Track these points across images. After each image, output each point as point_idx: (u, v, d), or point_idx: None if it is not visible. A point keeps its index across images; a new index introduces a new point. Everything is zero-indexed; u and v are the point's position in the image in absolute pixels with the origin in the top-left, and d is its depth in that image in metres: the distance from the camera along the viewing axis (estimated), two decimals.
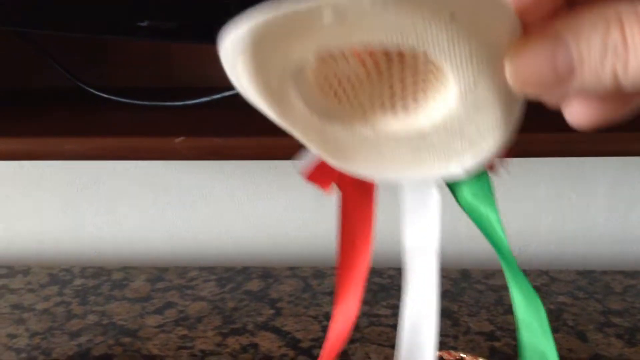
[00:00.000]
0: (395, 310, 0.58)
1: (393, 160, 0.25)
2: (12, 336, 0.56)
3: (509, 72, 0.20)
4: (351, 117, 0.24)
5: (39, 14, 0.48)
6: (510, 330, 0.55)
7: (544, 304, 0.55)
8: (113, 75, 0.60)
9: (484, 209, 0.28)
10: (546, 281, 0.63)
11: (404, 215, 0.29)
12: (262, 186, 0.69)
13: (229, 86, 0.55)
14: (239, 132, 0.47)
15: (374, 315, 0.58)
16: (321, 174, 0.30)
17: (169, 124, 0.50)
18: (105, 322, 0.58)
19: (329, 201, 0.69)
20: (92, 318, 0.59)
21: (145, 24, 0.49)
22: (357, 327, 0.56)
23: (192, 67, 0.59)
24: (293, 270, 0.66)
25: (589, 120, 0.22)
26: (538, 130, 0.43)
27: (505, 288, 0.62)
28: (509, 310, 0.58)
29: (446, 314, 0.58)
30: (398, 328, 0.30)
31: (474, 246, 0.70)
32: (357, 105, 0.24)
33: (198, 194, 0.70)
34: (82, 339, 0.56)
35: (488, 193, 0.28)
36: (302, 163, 0.30)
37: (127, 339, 0.55)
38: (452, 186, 0.28)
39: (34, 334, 0.57)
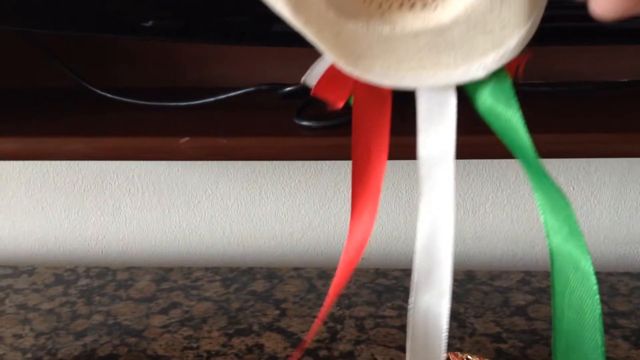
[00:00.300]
0: (401, 311, 0.58)
1: (411, 64, 0.25)
2: (17, 336, 0.56)
3: None
4: (369, 15, 0.23)
5: (43, 13, 0.48)
6: (517, 332, 0.55)
7: (549, 305, 0.55)
8: (118, 75, 0.60)
9: (505, 112, 0.27)
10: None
11: (419, 123, 0.28)
12: (267, 187, 0.69)
13: (234, 87, 0.55)
14: (244, 133, 0.47)
15: (379, 316, 0.58)
16: (333, 86, 0.29)
17: (173, 124, 0.50)
18: (110, 322, 0.58)
19: (334, 202, 0.69)
20: (97, 318, 0.59)
21: (150, 23, 0.49)
22: (362, 329, 0.56)
23: (197, 68, 0.59)
24: (298, 271, 0.66)
25: (614, 8, 0.21)
26: (544, 132, 0.43)
27: (511, 289, 0.62)
28: (515, 312, 0.58)
29: (452, 316, 0.57)
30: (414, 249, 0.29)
31: (480, 247, 0.70)
32: (376, 3, 0.23)
33: (203, 195, 0.70)
34: (87, 339, 0.56)
35: (510, 95, 0.27)
36: (311, 76, 0.29)
37: (132, 339, 0.55)
38: (471, 90, 0.27)
39: (39, 334, 0.57)
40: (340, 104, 0.29)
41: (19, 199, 0.71)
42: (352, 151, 0.29)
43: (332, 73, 0.28)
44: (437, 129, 0.28)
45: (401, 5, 0.23)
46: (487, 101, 0.27)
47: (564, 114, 0.48)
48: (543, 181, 0.27)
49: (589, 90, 0.53)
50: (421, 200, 0.28)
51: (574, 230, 0.27)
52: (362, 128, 0.29)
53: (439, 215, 0.28)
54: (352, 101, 0.29)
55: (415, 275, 0.29)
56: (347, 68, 0.25)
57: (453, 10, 0.23)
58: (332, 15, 0.23)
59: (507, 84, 0.26)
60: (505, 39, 0.23)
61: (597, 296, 0.27)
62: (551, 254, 0.27)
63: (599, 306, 0.27)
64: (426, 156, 0.28)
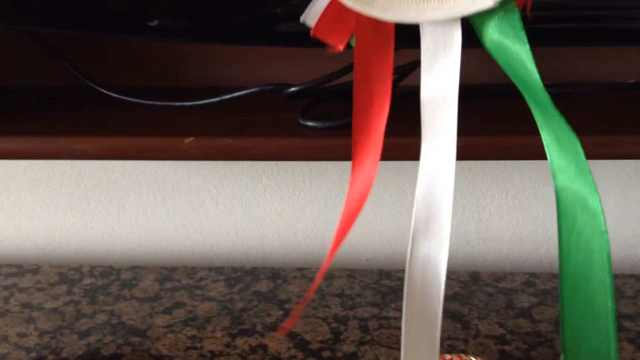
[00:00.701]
0: None
1: None
2: (21, 335, 0.57)
3: None
4: None
5: (48, 13, 0.48)
6: (521, 334, 0.55)
7: (555, 307, 0.55)
8: (123, 74, 0.60)
9: (513, 46, 0.26)
10: (557, 284, 0.63)
11: (423, 63, 0.27)
12: (271, 187, 0.69)
13: (239, 87, 0.55)
14: (248, 133, 0.47)
15: (383, 317, 0.57)
16: (333, 25, 0.28)
17: (178, 124, 0.50)
18: (114, 321, 0.58)
19: (339, 202, 0.69)
20: (101, 317, 0.59)
21: (155, 23, 0.49)
22: (366, 330, 0.56)
23: (202, 67, 0.59)
24: (302, 271, 0.66)
25: None
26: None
27: (515, 291, 0.62)
28: (519, 313, 0.58)
29: (456, 317, 0.57)
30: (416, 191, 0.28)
31: (485, 248, 0.70)
32: None
33: (207, 195, 0.70)
34: (91, 339, 0.56)
35: (518, 28, 0.26)
36: (310, 14, 0.28)
37: (136, 339, 0.55)
38: (478, 24, 0.26)
39: (43, 333, 0.57)
40: (341, 46, 0.28)
41: (24, 198, 0.72)
42: (354, 98, 0.28)
43: (333, 10, 0.27)
44: (442, 66, 0.27)
45: None
46: (495, 35, 0.26)
47: (569, 115, 0.48)
48: (550, 118, 0.26)
49: (595, 92, 0.52)
50: (423, 146, 0.27)
51: (582, 169, 0.25)
52: (364, 71, 0.28)
53: (440, 162, 0.27)
54: (353, 43, 0.28)
55: (414, 224, 0.28)
56: (350, 3, 0.24)
57: None
58: None
59: (516, 16, 0.25)
60: None
61: (606, 235, 0.25)
62: (557, 194, 0.26)
63: (607, 245, 0.26)
64: (429, 98, 0.27)
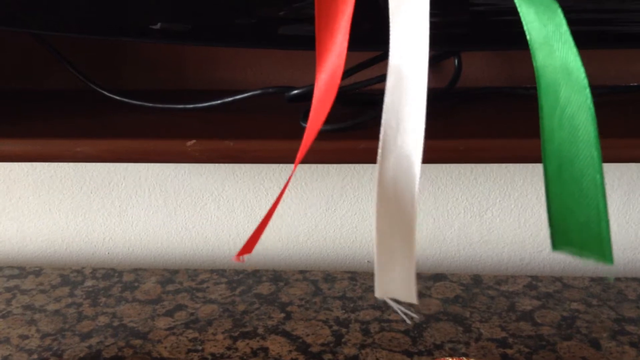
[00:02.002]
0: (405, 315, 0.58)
1: None
2: (23, 337, 0.57)
3: None
4: None
5: (52, 16, 0.48)
6: (523, 337, 0.55)
7: (557, 310, 0.54)
8: (125, 77, 0.60)
9: None
10: (559, 288, 0.62)
11: None
12: (273, 189, 0.69)
13: (241, 89, 0.55)
14: (250, 136, 0.47)
15: (385, 320, 0.57)
16: None
17: (180, 126, 0.50)
18: (115, 323, 0.58)
19: (340, 205, 0.69)
20: (102, 320, 0.59)
21: (158, 26, 0.49)
22: (367, 333, 0.56)
23: (205, 70, 0.59)
24: (303, 274, 0.66)
25: None
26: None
27: (517, 294, 0.62)
28: (521, 316, 0.58)
29: (457, 320, 0.57)
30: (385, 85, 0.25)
31: (487, 251, 0.70)
32: None
33: (209, 197, 0.70)
34: (93, 341, 0.56)
35: None
36: None
37: (137, 341, 0.55)
38: None
39: (45, 335, 0.57)
40: None
41: (27, 200, 0.72)
42: None
43: None
44: None
45: None
46: None
47: None
48: None
49: (599, 95, 0.52)
50: (391, 37, 0.25)
51: (564, 39, 0.24)
52: None
53: (409, 55, 0.25)
54: None
55: (383, 127, 0.25)
56: None
57: None
58: None
59: None
60: None
61: (592, 108, 0.24)
62: (537, 72, 0.24)
63: (594, 119, 0.24)
64: None
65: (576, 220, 0.25)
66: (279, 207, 0.70)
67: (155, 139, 0.47)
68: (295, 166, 0.28)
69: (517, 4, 0.24)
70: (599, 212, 0.25)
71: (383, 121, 0.25)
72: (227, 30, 0.49)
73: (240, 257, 0.30)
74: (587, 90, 0.24)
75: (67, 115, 0.54)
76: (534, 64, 0.24)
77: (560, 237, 0.26)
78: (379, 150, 0.26)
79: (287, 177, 0.69)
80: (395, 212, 0.26)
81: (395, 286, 0.27)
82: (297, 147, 0.46)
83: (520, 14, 0.24)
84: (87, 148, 0.47)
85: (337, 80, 0.26)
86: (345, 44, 0.26)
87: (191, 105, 0.52)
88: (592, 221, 0.25)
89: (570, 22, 0.44)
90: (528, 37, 0.24)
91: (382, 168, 0.25)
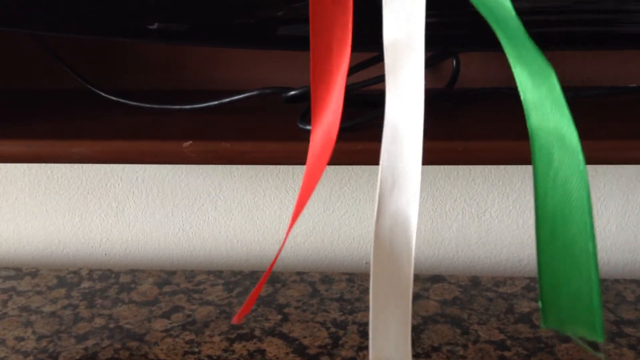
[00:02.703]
0: None
1: None
2: (19, 339, 0.56)
3: None
4: None
5: (48, 16, 0.48)
6: (521, 340, 0.54)
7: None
8: (122, 77, 0.60)
9: None
10: None
11: (385, 3, 0.25)
12: (271, 190, 0.69)
13: (239, 90, 0.55)
14: (247, 137, 0.46)
15: None
16: None
17: (177, 127, 0.49)
18: (112, 325, 0.58)
19: (338, 206, 0.69)
20: (99, 321, 0.59)
21: (155, 26, 0.49)
22: (365, 335, 0.56)
23: (202, 71, 0.59)
24: (301, 275, 0.66)
25: None
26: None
27: (516, 296, 0.61)
28: (520, 319, 0.57)
29: (455, 322, 0.57)
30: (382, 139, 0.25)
31: (485, 252, 0.70)
32: None
33: (206, 198, 0.70)
34: (89, 343, 0.55)
35: None
36: None
37: (133, 343, 0.55)
38: None
39: (41, 337, 0.56)
40: None
41: (23, 201, 0.71)
42: (311, 43, 0.26)
43: None
44: (404, 6, 0.25)
45: None
46: None
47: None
48: (524, 51, 0.24)
49: (597, 96, 0.52)
50: (387, 96, 0.25)
51: (558, 103, 0.24)
52: (321, 15, 0.26)
53: (405, 113, 0.25)
54: None
55: (381, 179, 0.26)
56: None
57: None
58: None
59: None
60: None
61: (585, 174, 0.24)
62: (531, 133, 0.24)
63: (587, 184, 0.24)
64: (391, 43, 0.25)
65: (567, 292, 0.25)
66: (277, 207, 0.70)
67: (152, 139, 0.47)
68: (291, 225, 0.27)
69: (512, 64, 0.24)
70: (590, 283, 0.24)
71: (380, 177, 0.26)
72: (226, 30, 0.48)
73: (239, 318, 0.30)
74: (580, 156, 0.24)
75: (63, 116, 0.53)
76: (528, 125, 0.24)
77: (550, 312, 0.25)
78: (375, 206, 0.26)
79: (285, 179, 0.69)
80: (391, 270, 0.26)
81: (390, 352, 0.27)
82: (295, 149, 0.46)
83: (515, 75, 0.24)
84: (83, 149, 0.47)
85: (333, 137, 0.26)
86: (341, 101, 0.26)
87: (188, 106, 0.52)
88: (583, 293, 0.25)
89: (569, 23, 0.44)
90: (522, 98, 0.24)
91: (379, 223, 0.26)
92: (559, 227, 0.25)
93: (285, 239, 0.29)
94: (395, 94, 0.25)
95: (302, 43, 0.50)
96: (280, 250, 0.29)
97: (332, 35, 0.26)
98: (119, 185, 0.70)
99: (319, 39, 0.26)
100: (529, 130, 0.24)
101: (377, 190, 0.26)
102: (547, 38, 0.44)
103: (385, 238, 0.26)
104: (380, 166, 0.26)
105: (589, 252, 0.24)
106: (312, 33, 0.26)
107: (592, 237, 0.24)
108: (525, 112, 0.24)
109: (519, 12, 0.40)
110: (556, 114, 0.24)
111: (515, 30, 0.24)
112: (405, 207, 0.26)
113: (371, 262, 0.26)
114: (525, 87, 0.24)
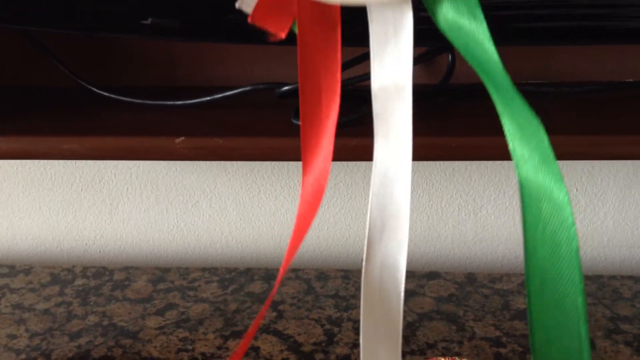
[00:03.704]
0: None
1: None
2: (12, 337, 0.56)
3: None
4: None
5: (41, 11, 0.48)
6: (517, 337, 0.54)
7: None
8: (114, 73, 0.60)
9: (469, 24, 0.24)
10: None
11: (372, 49, 0.25)
12: (266, 187, 0.69)
13: (232, 86, 0.54)
14: (240, 133, 0.46)
15: None
16: (273, 11, 0.25)
17: (169, 123, 0.49)
18: (105, 323, 0.57)
19: (333, 202, 0.69)
20: (92, 319, 0.58)
21: (148, 21, 0.48)
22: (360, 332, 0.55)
23: (195, 66, 0.59)
24: (296, 272, 0.66)
25: None
26: (547, 134, 0.42)
27: (512, 292, 0.61)
28: (516, 315, 0.57)
29: (451, 319, 0.57)
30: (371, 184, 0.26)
31: (481, 249, 0.69)
32: None
33: (201, 194, 0.69)
34: (82, 340, 0.55)
35: (473, 5, 0.24)
36: (247, 2, 0.26)
37: (127, 341, 0.55)
38: (431, 3, 0.24)
39: (34, 335, 0.56)
40: (283, 34, 0.27)
41: (16, 198, 0.71)
42: (300, 92, 0.26)
43: None
44: (392, 52, 0.25)
45: None
46: (449, 13, 0.24)
47: (566, 115, 0.48)
48: (512, 103, 0.24)
49: (593, 91, 0.52)
50: (376, 142, 0.25)
51: (546, 158, 0.24)
52: (310, 62, 0.26)
53: (395, 159, 0.25)
54: (296, 29, 0.26)
55: (369, 225, 0.26)
56: None
57: None
58: None
59: None
60: None
61: (573, 228, 0.24)
62: (520, 185, 0.24)
63: (576, 239, 0.24)
64: (381, 88, 0.25)
65: (558, 347, 0.25)
66: (272, 204, 0.69)
67: (144, 136, 0.46)
68: (283, 272, 0.28)
69: (500, 114, 0.24)
70: (580, 340, 0.24)
71: (368, 221, 0.26)
72: (218, 26, 0.48)
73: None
74: (568, 210, 0.24)
75: (54, 112, 0.53)
76: (517, 177, 0.24)
77: None
78: (364, 249, 0.26)
79: (280, 175, 0.68)
80: (381, 312, 0.27)
81: None
82: (288, 145, 0.46)
83: (503, 125, 0.24)
84: (74, 145, 0.47)
85: (324, 185, 0.26)
86: (331, 147, 0.26)
87: (180, 102, 0.51)
88: (574, 349, 0.25)
89: (566, 18, 0.43)
90: (510, 148, 0.24)
91: (368, 267, 0.26)
92: (548, 280, 0.25)
93: (279, 279, 0.29)
94: (384, 138, 0.26)
95: (294, 38, 0.49)
96: (277, 283, 0.30)
97: (321, 81, 0.26)
98: (113, 182, 0.70)
99: (308, 85, 0.26)
100: (519, 181, 0.25)
101: (366, 234, 0.26)
102: (542, 33, 0.43)
103: (375, 281, 0.26)
104: (369, 210, 0.26)
105: (578, 307, 0.25)
106: (300, 79, 0.26)
107: (582, 292, 0.25)
108: (515, 162, 0.24)
109: (514, 5, 0.40)
110: (545, 169, 0.24)
111: (502, 81, 0.24)
112: (395, 251, 0.26)
113: (361, 303, 0.27)
114: (514, 139, 0.24)
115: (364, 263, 0.26)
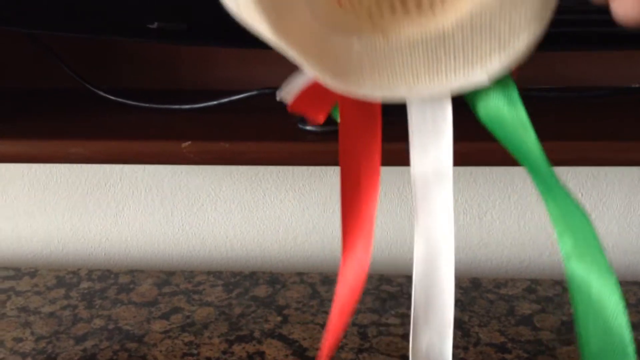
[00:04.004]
0: (404, 319, 0.57)
1: (404, 73, 0.22)
2: (17, 340, 0.56)
3: None
4: (359, 26, 0.21)
5: (47, 15, 0.48)
6: (522, 342, 0.54)
7: (557, 315, 0.54)
8: (120, 76, 0.60)
9: (510, 117, 0.24)
10: (559, 292, 0.62)
11: (412, 139, 0.25)
12: (271, 190, 0.69)
13: (237, 89, 0.54)
14: (246, 137, 0.46)
15: (382, 324, 0.57)
16: (313, 102, 0.26)
17: (176, 127, 0.49)
18: (111, 326, 0.58)
19: (338, 206, 0.69)
20: (98, 322, 0.58)
21: (154, 25, 0.48)
22: (365, 337, 0.55)
23: (201, 70, 0.59)
24: (301, 276, 0.66)
25: (637, 14, 0.20)
26: (551, 139, 0.42)
27: (517, 298, 0.61)
28: (521, 321, 0.57)
29: (456, 325, 0.57)
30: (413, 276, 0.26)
31: (486, 254, 0.69)
32: (364, 11, 0.21)
33: (206, 198, 0.69)
34: (88, 344, 0.55)
35: (514, 98, 0.24)
36: (288, 92, 0.27)
37: (132, 345, 0.55)
38: (471, 98, 0.24)
39: (39, 338, 0.56)
40: (322, 119, 0.27)
41: (22, 201, 0.71)
42: (341, 179, 0.26)
43: (314, 88, 0.25)
44: (433, 144, 0.25)
45: (393, 10, 0.21)
46: (489, 107, 0.24)
47: (573, 120, 0.48)
48: (557, 194, 0.24)
49: (599, 96, 0.52)
50: (417, 225, 0.26)
51: (595, 257, 0.24)
52: (350, 147, 0.26)
53: (437, 241, 0.26)
54: (336, 116, 0.27)
55: (414, 311, 0.26)
56: (334, 84, 0.22)
57: (456, 14, 0.21)
58: (317, 27, 0.21)
59: (512, 88, 0.24)
60: (513, 41, 0.21)
61: (624, 318, 0.24)
62: (568, 277, 0.24)
63: (627, 329, 0.24)
64: (421, 175, 0.26)
65: None
66: (277, 208, 0.69)
67: (150, 140, 0.47)
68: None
69: (547, 205, 0.24)
70: None
71: (413, 303, 0.26)
72: (224, 30, 0.48)
73: None
74: (615, 298, 0.24)
75: (60, 115, 0.53)
76: (566, 270, 0.24)
77: None
78: (411, 331, 0.26)
79: (285, 179, 0.68)
80: None
81: None
82: (294, 149, 0.46)
83: (551, 216, 0.24)
84: (80, 149, 0.47)
85: (364, 276, 0.27)
86: (371, 235, 0.26)
87: (187, 106, 0.51)
88: None
89: (572, 24, 0.43)
90: (559, 242, 0.24)
91: (415, 345, 0.26)
92: None
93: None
94: (425, 222, 0.26)
95: None
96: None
97: (361, 166, 0.27)
98: (118, 185, 0.70)
99: (348, 168, 0.27)
100: (566, 272, 0.25)
101: (411, 323, 0.27)
102: (551, 39, 0.43)
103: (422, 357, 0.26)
104: (412, 297, 0.26)
105: None
106: (341, 162, 0.27)
107: None
108: (562, 253, 0.25)
109: None
110: (589, 259, 0.24)
111: (545, 172, 0.24)
112: (440, 341, 0.26)
113: None
114: (561, 229, 0.25)
115: (410, 349, 0.27)
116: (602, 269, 0.24)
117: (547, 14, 0.21)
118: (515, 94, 0.24)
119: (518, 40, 0.21)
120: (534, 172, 0.24)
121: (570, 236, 0.24)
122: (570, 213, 0.24)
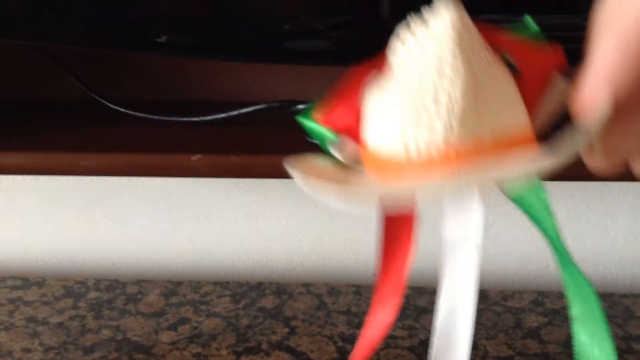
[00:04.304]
0: (411, 331, 0.57)
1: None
2: (26, 350, 0.56)
3: None
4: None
5: (57, 28, 0.48)
6: (529, 355, 0.54)
7: (564, 328, 0.54)
8: (129, 87, 0.60)
9: (536, 202, 0.28)
10: (565, 304, 0.62)
11: (445, 207, 0.28)
12: (278, 201, 0.69)
13: (246, 102, 0.54)
14: (256, 151, 0.46)
15: (390, 336, 0.57)
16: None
17: (185, 140, 0.49)
18: (119, 337, 0.58)
19: (344, 217, 0.69)
20: (106, 333, 0.58)
21: (163, 39, 0.49)
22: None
23: (209, 83, 0.59)
24: (307, 287, 0.66)
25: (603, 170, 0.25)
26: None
27: (524, 310, 0.61)
28: (528, 333, 0.57)
29: None
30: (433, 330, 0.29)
31: (493, 265, 0.69)
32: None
33: (213, 209, 0.70)
34: (96, 355, 0.55)
35: (539, 186, 0.27)
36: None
37: (141, 356, 0.55)
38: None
39: (48, 349, 0.56)
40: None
41: (30, 211, 0.71)
42: (378, 240, 0.31)
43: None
44: (463, 213, 0.28)
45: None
46: (517, 190, 0.27)
47: None
48: (570, 267, 0.27)
49: None
50: (443, 281, 0.29)
51: (597, 324, 0.27)
52: (390, 221, 0.31)
53: (459, 299, 0.29)
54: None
55: (433, 355, 0.29)
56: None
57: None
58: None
59: (541, 190, 0.27)
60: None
61: None
62: (575, 342, 0.28)
63: None
64: (450, 239, 0.29)
65: None
66: (283, 218, 0.69)
67: (160, 153, 0.47)
68: None
69: (561, 275, 0.27)
70: None
71: (434, 354, 0.29)
72: (233, 44, 0.48)
73: None
74: None
75: (70, 127, 0.53)
76: (573, 332, 0.28)
77: None
78: None
79: (292, 189, 0.68)
80: None
81: None
82: None
83: (564, 285, 0.27)
84: (90, 162, 0.47)
85: (383, 335, 0.30)
86: (398, 297, 0.30)
87: (196, 119, 0.52)
88: None
89: (575, 27, 0.43)
90: (570, 307, 0.28)
91: None
92: None
93: None
94: (450, 281, 0.29)
95: (308, 57, 0.50)
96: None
97: (401, 235, 0.31)
98: (125, 195, 0.70)
99: (388, 232, 0.32)
100: (574, 334, 0.28)
101: None
102: (574, 54, 0.43)
103: None
104: (433, 345, 0.30)
105: None
106: (380, 229, 0.32)
107: None
108: (572, 319, 0.28)
109: (548, 27, 0.40)
110: (591, 324, 0.28)
111: (560, 249, 0.28)
112: None
113: None
114: (570, 298, 0.28)
115: None
116: (603, 336, 0.27)
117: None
118: (538, 185, 0.27)
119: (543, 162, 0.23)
120: (553, 247, 0.28)
121: (578, 303, 0.28)
122: (579, 284, 0.27)
